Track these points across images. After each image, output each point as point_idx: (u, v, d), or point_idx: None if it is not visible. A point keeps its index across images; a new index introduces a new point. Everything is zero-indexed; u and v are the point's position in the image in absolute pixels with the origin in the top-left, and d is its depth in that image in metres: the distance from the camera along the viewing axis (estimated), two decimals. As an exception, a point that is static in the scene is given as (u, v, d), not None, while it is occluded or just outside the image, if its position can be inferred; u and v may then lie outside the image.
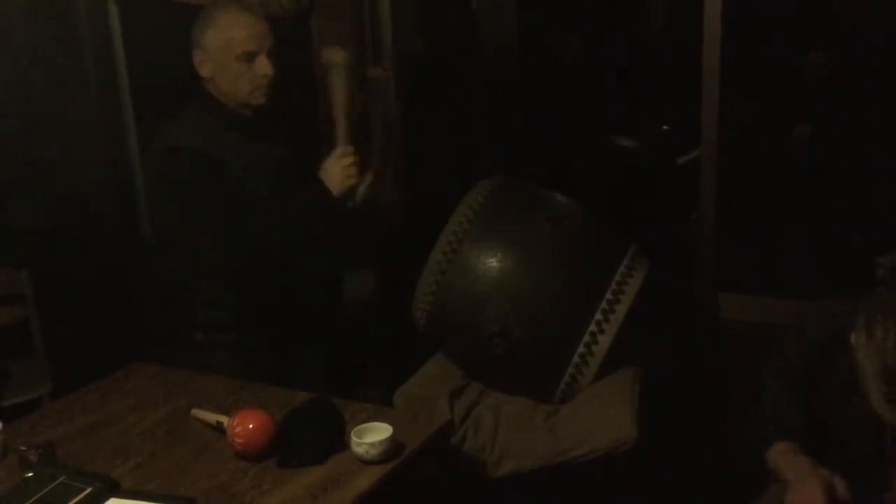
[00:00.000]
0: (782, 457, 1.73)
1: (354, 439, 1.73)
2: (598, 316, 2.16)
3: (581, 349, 2.17)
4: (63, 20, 3.11)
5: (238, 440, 1.76)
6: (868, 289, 1.64)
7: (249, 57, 2.15)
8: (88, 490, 1.62)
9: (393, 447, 1.73)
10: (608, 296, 2.17)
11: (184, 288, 2.25)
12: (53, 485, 1.63)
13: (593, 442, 2.12)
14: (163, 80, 3.14)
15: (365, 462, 1.72)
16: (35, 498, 1.60)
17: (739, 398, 1.91)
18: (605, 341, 2.16)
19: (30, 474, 1.67)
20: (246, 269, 2.15)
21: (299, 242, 2.17)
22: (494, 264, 2.21)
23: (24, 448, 1.73)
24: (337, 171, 2.18)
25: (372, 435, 1.74)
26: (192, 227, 2.12)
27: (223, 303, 2.23)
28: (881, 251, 2.07)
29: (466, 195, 2.35)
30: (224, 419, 1.85)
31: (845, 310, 1.62)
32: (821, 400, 1.76)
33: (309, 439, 1.78)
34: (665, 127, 3.66)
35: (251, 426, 1.76)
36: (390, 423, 1.76)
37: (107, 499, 1.62)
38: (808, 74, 3.08)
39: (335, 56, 2.24)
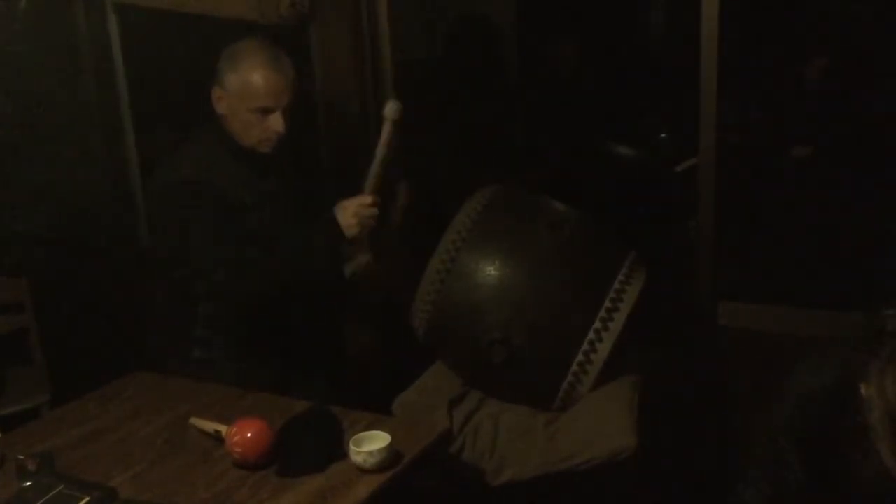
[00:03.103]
0: None
1: (353, 448, 1.73)
2: (597, 324, 2.16)
3: (580, 357, 2.16)
4: (63, 30, 3.11)
5: (237, 449, 1.76)
6: (868, 309, 1.59)
7: (264, 111, 2.14)
8: (87, 499, 1.62)
9: (391, 456, 1.73)
10: (607, 303, 2.17)
11: (182, 306, 2.25)
12: (52, 494, 1.63)
13: (593, 450, 2.12)
14: (162, 90, 3.16)
15: (363, 471, 1.72)
16: (33, 507, 1.60)
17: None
18: (603, 349, 2.16)
19: (28, 483, 1.67)
20: (253, 298, 2.15)
21: (302, 276, 2.16)
22: (493, 272, 2.21)
23: (22, 457, 1.73)
24: (353, 210, 2.16)
25: (370, 443, 1.74)
26: (199, 259, 2.12)
27: (221, 323, 2.23)
28: (884, 263, 2.04)
29: (465, 203, 2.35)
30: (223, 428, 1.84)
31: (847, 361, 1.57)
32: (831, 456, 1.71)
33: (307, 448, 1.78)
34: (663, 134, 3.66)
35: (249, 435, 1.76)
36: (389, 432, 1.76)
37: (105, 508, 1.62)
38: (808, 80, 3.08)
39: (393, 112, 2.23)
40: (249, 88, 2.13)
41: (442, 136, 3.45)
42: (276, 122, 2.15)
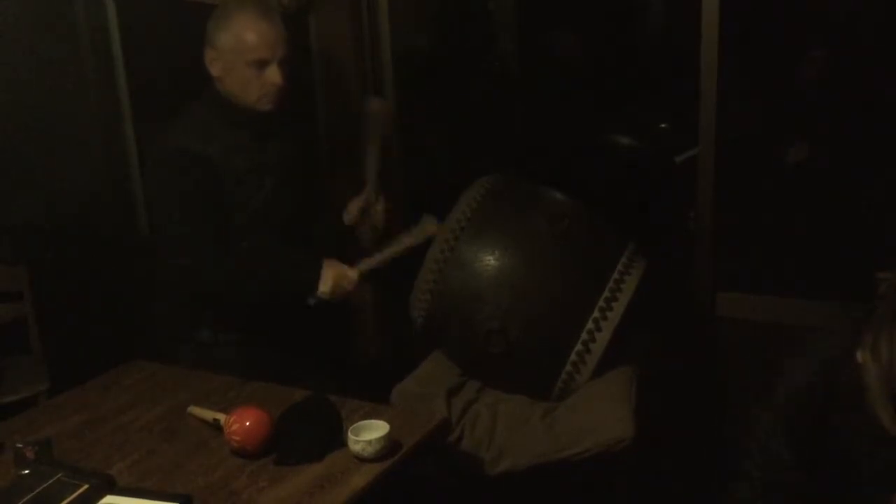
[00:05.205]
0: None
1: (351, 437, 1.73)
2: (596, 314, 2.16)
3: (578, 347, 2.17)
4: (60, 17, 3.11)
5: (235, 437, 1.76)
6: (865, 300, 1.60)
7: (261, 64, 2.12)
8: (85, 487, 1.62)
9: (390, 445, 1.74)
10: (606, 294, 2.17)
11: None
12: (50, 482, 1.63)
13: (590, 440, 2.12)
14: (160, 76, 3.15)
15: (361, 460, 1.73)
16: (31, 495, 1.60)
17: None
18: (602, 339, 2.16)
19: (26, 471, 1.67)
20: (206, 288, 2.16)
21: (258, 297, 2.18)
22: (492, 262, 2.20)
23: (20, 445, 1.73)
24: (334, 276, 2.18)
25: (369, 433, 1.74)
26: (176, 240, 2.12)
27: (229, 306, 2.22)
28: (881, 254, 2.05)
29: (464, 193, 2.35)
30: (221, 416, 1.85)
31: (845, 331, 1.58)
32: (828, 424, 1.71)
33: (306, 437, 1.78)
34: (663, 125, 3.66)
35: (248, 423, 1.76)
36: (387, 421, 1.77)
37: (103, 496, 1.61)
38: (807, 72, 3.08)
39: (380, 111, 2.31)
40: (244, 42, 2.11)
41: (441, 126, 3.45)
42: (274, 74, 2.13)
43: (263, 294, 2.17)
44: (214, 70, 2.16)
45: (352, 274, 2.21)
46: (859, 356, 1.46)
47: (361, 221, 2.41)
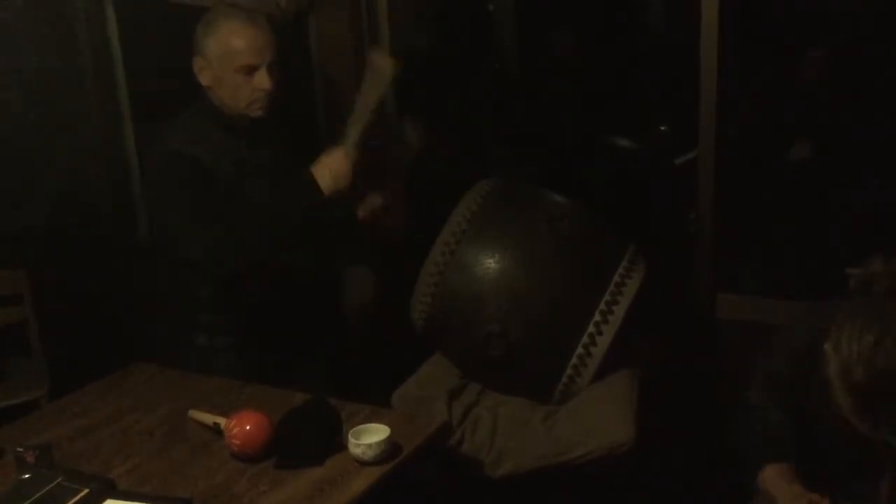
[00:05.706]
0: (774, 483, 1.74)
1: (352, 440, 1.73)
2: (597, 317, 2.16)
3: (579, 350, 2.16)
4: (60, 19, 3.10)
5: (235, 441, 1.76)
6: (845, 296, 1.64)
7: (249, 70, 2.11)
8: (85, 491, 1.62)
9: (390, 448, 1.73)
10: (607, 297, 2.17)
11: (185, 291, 2.24)
12: (50, 486, 1.63)
13: (591, 443, 2.12)
14: (160, 79, 3.15)
15: (362, 463, 1.72)
16: (32, 499, 1.60)
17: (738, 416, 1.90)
18: (603, 342, 2.16)
19: (27, 475, 1.67)
20: (239, 269, 2.11)
21: (287, 235, 2.11)
22: (493, 265, 2.20)
23: (21, 449, 1.73)
24: (330, 168, 2.12)
25: (369, 436, 1.74)
26: (187, 234, 2.10)
27: (225, 306, 2.22)
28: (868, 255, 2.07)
29: (465, 195, 2.35)
30: (221, 420, 1.84)
31: (823, 319, 1.62)
32: (806, 411, 1.75)
33: (306, 440, 1.78)
34: (663, 127, 3.66)
35: (248, 427, 1.76)
36: (388, 424, 1.76)
37: (104, 500, 1.61)
38: (807, 72, 3.08)
39: (387, 67, 2.19)
40: (231, 48, 2.10)
41: (441, 128, 3.45)
42: (262, 79, 2.12)
43: (282, 237, 2.10)
44: (204, 79, 2.16)
45: (339, 153, 2.14)
46: (826, 347, 1.50)
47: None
